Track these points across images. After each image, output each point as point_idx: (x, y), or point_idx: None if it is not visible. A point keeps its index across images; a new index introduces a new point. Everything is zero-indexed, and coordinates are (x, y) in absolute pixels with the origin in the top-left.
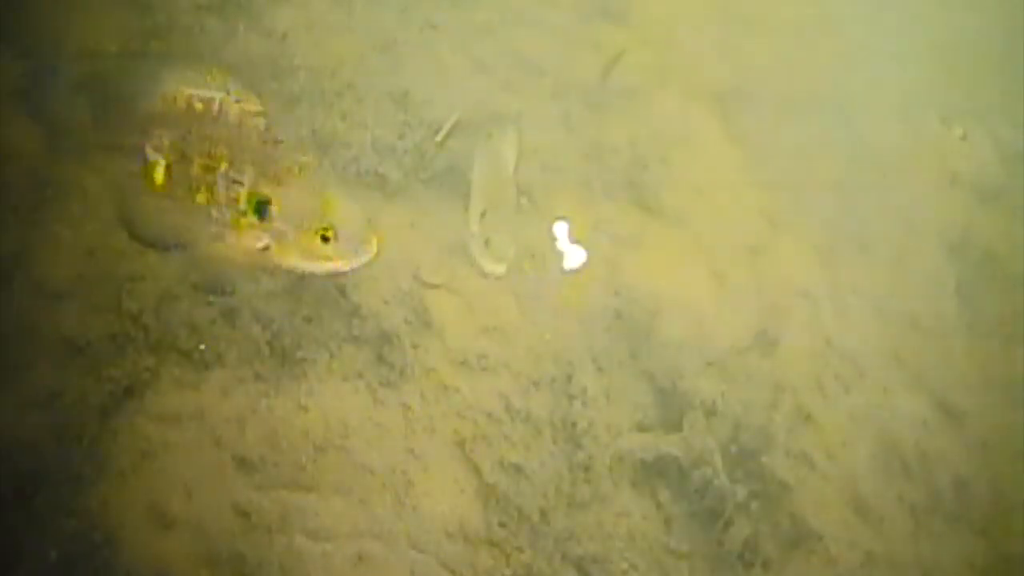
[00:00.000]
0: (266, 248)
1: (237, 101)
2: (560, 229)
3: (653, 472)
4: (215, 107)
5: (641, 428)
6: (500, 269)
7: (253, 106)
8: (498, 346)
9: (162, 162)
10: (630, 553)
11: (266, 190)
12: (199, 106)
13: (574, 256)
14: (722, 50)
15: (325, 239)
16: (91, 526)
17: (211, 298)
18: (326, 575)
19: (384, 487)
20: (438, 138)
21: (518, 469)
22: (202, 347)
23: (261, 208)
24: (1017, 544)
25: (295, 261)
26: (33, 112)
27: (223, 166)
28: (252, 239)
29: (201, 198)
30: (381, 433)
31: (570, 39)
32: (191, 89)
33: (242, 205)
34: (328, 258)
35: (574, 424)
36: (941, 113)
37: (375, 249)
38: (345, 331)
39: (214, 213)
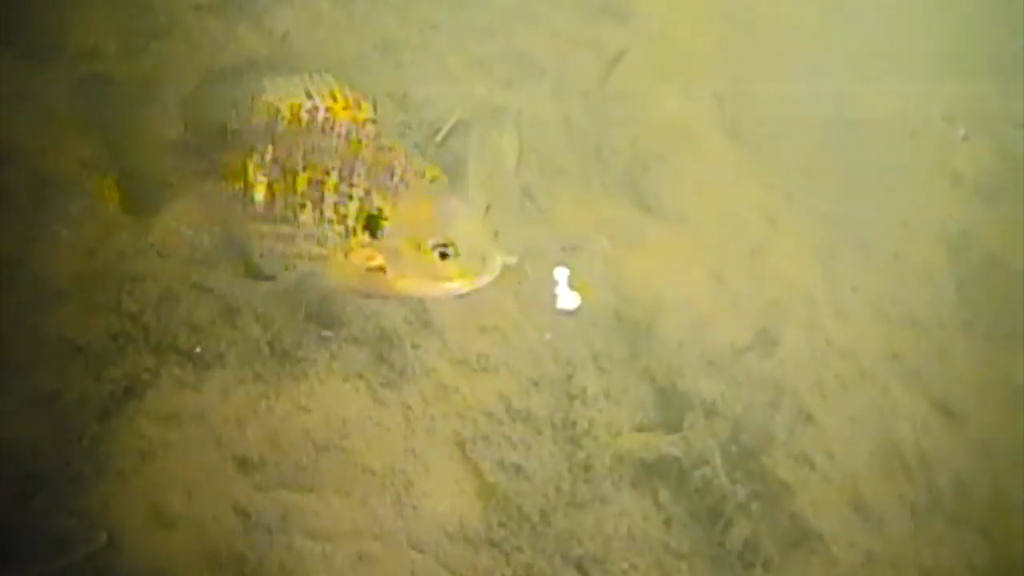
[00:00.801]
0: (379, 269)
1: (346, 108)
2: (561, 274)
3: (653, 472)
4: (321, 116)
5: (641, 428)
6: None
7: (363, 112)
8: (498, 346)
9: (264, 180)
10: (630, 553)
11: (379, 203)
12: (304, 116)
13: (569, 300)
14: (722, 50)
15: (444, 255)
16: (91, 526)
17: (324, 333)
18: (326, 575)
19: (384, 487)
20: (438, 138)
21: (518, 469)
22: (198, 349)
23: (373, 223)
24: (1017, 544)
25: (411, 283)
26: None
27: (331, 180)
28: (363, 259)
29: (307, 217)
30: (381, 433)
31: (570, 39)
32: (294, 98)
33: (351, 221)
34: (448, 278)
35: (574, 424)
36: (944, 113)
37: (500, 265)
38: (345, 331)
39: (322, 233)
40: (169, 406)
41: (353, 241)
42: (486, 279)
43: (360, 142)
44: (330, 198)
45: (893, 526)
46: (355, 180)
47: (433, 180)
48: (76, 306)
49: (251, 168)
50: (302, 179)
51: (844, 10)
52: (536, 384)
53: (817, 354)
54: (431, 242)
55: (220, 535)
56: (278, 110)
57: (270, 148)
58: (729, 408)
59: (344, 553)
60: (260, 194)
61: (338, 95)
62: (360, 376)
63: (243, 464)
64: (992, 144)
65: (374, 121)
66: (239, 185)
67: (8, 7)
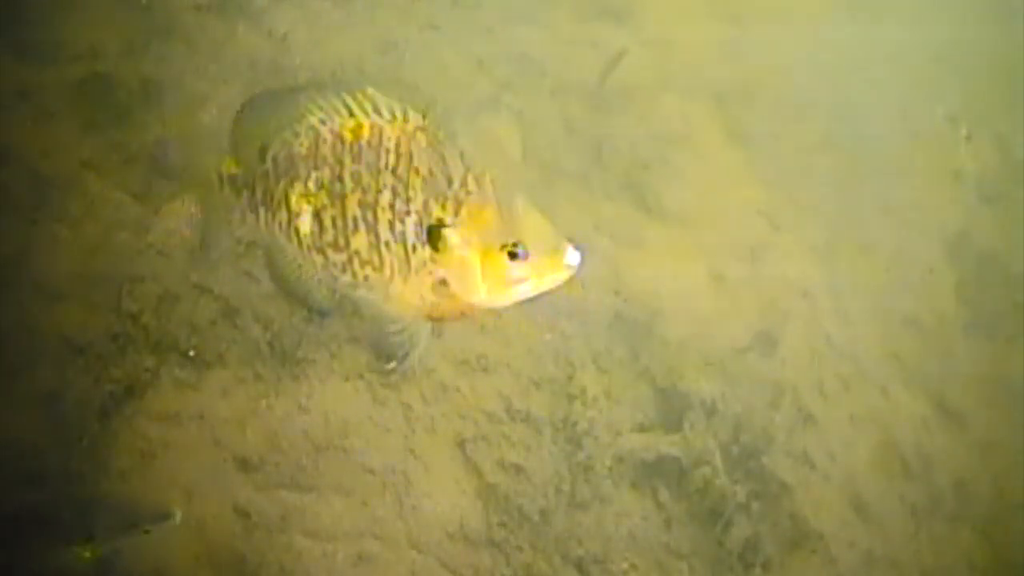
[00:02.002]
0: (443, 283)
1: (392, 121)
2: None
3: (653, 472)
4: (366, 134)
5: (641, 428)
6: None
7: (412, 123)
8: (498, 346)
9: (309, 209)
10: (630, 553)
11: (438, 214)
12: (348, 136)
13: (572, 256)
14: (722, 50)
15: (513, 255)
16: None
17: (388, 366)
18: (326, 575)
19: (384, 487)
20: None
21: (518, 469)
22: (192, 352)
23: (435, 234)
24: (1017, 545)
25: (479, 290)
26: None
27: (384, 198)
28: (425, 275)
29: (360, 242)
30: (381, 433)
31: (570, 39)
32: (334, 118)
33: (411, 237)
34: (521, 279)
35: (574, 424)
36: (947, 113)
37: (574, 260)
38: (345, 331)
39: (378, 256)
40: (169, 406)
41: (414, 260)
42: (561, 277)
43: (412, 153)
44: (384, 217)
45: (893, 526)
46: (411, 194)
47: (495, 180)
48: (76, 306)
49: (294, 198)
50: (352, 202)
51: (844, 10)
52: (536, 384)
53: (817, 354)
54: (499, 244)
55: (220, 535)
56: (318, 132)
57: (314, 174)
58: (729, 408)
59: (344, 553)
60: (306, 224)
61: (382, 108)
62: (360, 376)
63: (243, 464)
64: (993, 144)
65: (424, 129)
66: (283, 216)
67: (8, 7)
